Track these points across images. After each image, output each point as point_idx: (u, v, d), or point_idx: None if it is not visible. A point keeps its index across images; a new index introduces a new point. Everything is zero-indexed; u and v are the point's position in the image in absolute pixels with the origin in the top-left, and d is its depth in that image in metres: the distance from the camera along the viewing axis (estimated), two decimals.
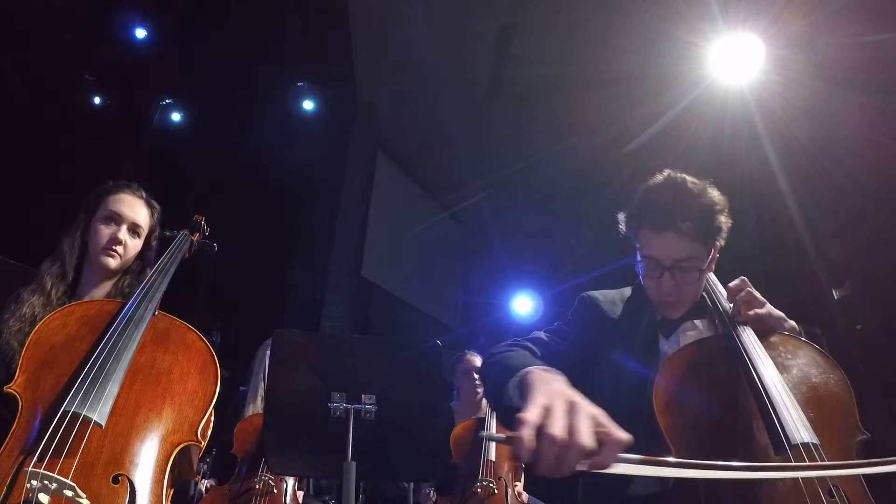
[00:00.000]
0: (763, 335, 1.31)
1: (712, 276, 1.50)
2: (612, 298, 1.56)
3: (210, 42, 5.20)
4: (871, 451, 1.16)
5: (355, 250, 5.78)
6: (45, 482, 0.96)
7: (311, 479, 2.76)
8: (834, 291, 4.08)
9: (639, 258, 1.42)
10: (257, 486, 2.39)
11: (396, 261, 6.39)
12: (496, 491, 2.63)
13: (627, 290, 1.59)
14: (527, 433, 0.85)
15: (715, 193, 1.38)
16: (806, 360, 1.27)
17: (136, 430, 1.15)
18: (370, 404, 1.48)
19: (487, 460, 2.74)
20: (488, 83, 5.38)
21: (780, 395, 1.12)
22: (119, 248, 1.63)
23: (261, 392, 2.78)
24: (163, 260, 1.59)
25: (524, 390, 1.00)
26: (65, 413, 1.08)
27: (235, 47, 5.22)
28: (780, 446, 1.05)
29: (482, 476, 2.67)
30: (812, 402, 1.18)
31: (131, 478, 1.09)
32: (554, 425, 0.85)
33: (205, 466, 2.74)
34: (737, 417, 1.15)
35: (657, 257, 1.37)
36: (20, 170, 4.73)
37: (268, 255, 5.59)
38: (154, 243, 1.76)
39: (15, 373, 1.19)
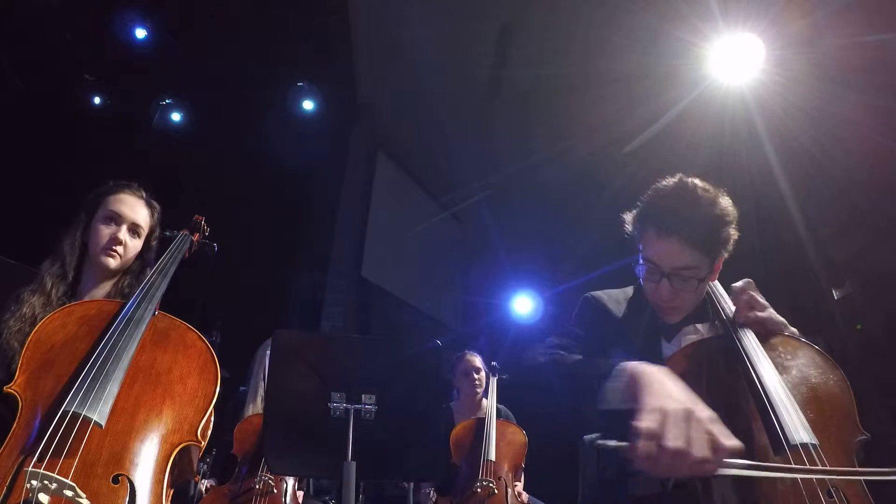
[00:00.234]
0: (763, 337, 1.31)
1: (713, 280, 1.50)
2: (616, 297, 1.56)
3: (210, 42, 5.20)
4: (870, 452, 1.16)
5: (355, 250, 5.78)
6: (45, 482, 0.96)
7: (311, 479, 2.76)
8: (834, 291, 4.08)
9: (640, 260, 1.42)
10: (257, 486, 2.39)
11: (396, 261, 6.39)
12: (496, 491, 2.63)
13: (630, 290, 1.58)
14: (645, 445, 0.85)
15: (726, 203, 1.36)
16: (805, 361, 1.27)
17: (136, 430, 1.15)
18: (370, 404, 1.48)
19: (487, 460, 2.74)
20: (488, 83, 5.38)
21: (779, 395, 1.12)
22: (119, 248, 1.63)
23: (261, 392, 2.78)
24: (163, 260, 1.59)
25: (633, 390, 0.97)
26: (65, 413, 1.08)
27: (235, 47, 5.22)
28: (779, 447, 1.05)
29: (482, 476, 2.67)
30: (811, 402, 1.18)
31: (131, 478, 1.09)
32: (671, 437, 0.85)
33: (205, 466, 2.74)
34: (736, 418, 1.15)
35: (658, 263, 1.36)
36: (20, 170, 4.73)
37: (268, 255, 5.59)
38: (154, 243, 1.76)
39: (15, 373, 1.19)
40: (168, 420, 1.20)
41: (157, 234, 1.76)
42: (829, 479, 1.03)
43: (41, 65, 5.10)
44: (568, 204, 5.90)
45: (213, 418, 1.29)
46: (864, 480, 1.06)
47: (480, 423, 2.95)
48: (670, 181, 1.41)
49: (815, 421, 1.11)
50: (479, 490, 2.62)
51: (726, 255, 1.40)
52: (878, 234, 3.73)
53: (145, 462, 1.13)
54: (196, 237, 1.81)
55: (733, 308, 1.37)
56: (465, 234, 7.55)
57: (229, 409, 2.85)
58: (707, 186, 1.38)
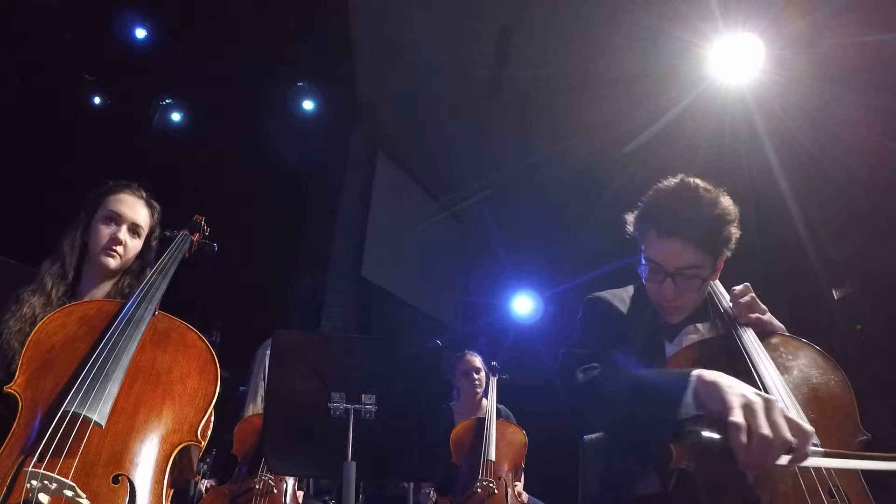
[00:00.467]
0: (764, 337, 1.31)
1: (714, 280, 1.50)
2: (620, 296, 1.56)
3: (210, 42, 5.20)
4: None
5: (355, 250, 5.77)
6: (45, 482, 0.96)
7: (311, 479, 2.76)
8: (834, 291, 4.08)
9: (642, 260, 1.42)
10: (257, 486, 2.39)
11: (396, 261, 6.39)
12: (496, 491, 2.63)
13: (630, 289, 1.58)
14: (743, 436, 0.93)
15: (727, 203, 1.36)
16: (807, 361, 1.27)
17: (136, 430, 1.15)
18: (370, 404, 1.48)
19: (487, 460, 2.74)
20: (488, 83, 5.38)
21: (780, 395, 1.12)
22: (119, 248, 1.63)
23: (261, 392, 2.78)
24: (163, 260, 1.59)
25: (707, 394, 1.02)
26: (65, 413, 1.08)
27: (235, 47, 5.22)
28: None
29: (482, 476, 2.67)
30: (813, 402, 1.18)
31: (131, 478, 1.09)
32: (761, 424, 0.94)
33: (205, 466, 2.74)
34: None
35: (661, 263, 1.36)
36: (20, 170, 4.73)
37: (268, 255, 5.59)
38: (154, 243, 1.76)
39: (15, 373, 1.19)
40: (168, 420, 1.20)
41: (157, 234, 1.76)
42: (831, 478, 1.04)
43: (41, 65, 5.10)
44: (568, 204, 5.90)
45: (213, 418, 1.28)
46: (867, 479, 1.06)
47: (480, 423, 2.95)
48: (671, 181, 1.41)
49: (816, 421, 1.11)
50: (479, 490, 2.62)
51: (729, 253, 1.40)
52: (878, 234, 3.73)
53: (145, 462, 1.13)
54: (196, 237, 1.80)
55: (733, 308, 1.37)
56: (465, 234, 7.55)
57: (229, 409, 2.85)
58: (708, 186, 1.38)
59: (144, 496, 1.08)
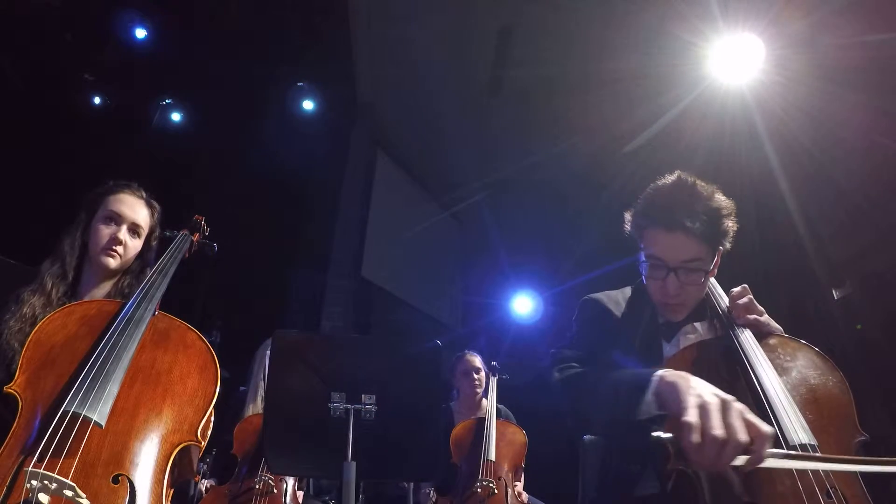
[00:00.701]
0: (762, 338, 1.31)
1: (711, 278, 1.50)
2: (616, 298, 1.56)
3: (210, 42, 5.20)
4: (870, 453, 1.16)
5: (355, 250, 5.77)
6: (45, 482, 0.96)
7: (311, 479, 2.76)
8: (834, 291, 4.08)
9: (643, 259, 1.42)
10: (257, 486, 2.39)
11: (396, 261, 6.39)
12: (496, 491, 2.63)
13: (628, 290, 1.59)
14: (695, 436, 0.93)
15: (722, 198, 1.39)
16: (805, 362, 1.27)
17: (136, 430, 1.15)
18: (370, 404, 1.48)
19: (487, 460, 2.74)
20: (488, 83, 5.38)
21: (778, 396, 1.12)
22: (119, 248, 1.63)
23: (261, 392, 2.78)
24: (163, 260, 1.59)
25: (667, 395, 1.03)
26: (65, 413, 1.08)
27: (235, 47, 5.22)
28: (777, 448, 1.05)
29: (482, 476, 2.67)
30: (811, 403, 1.19)
31: (131, 478, 1.09)
32: (714, 425, 0.93)
33: (205, 466, 2.74)
34: None
35: (664, 258, 1.37)
36: (20, 169, 4.73)
37: (268, 255, 5.59)
38: (154, 243, 1.76)
39: (15, 373, 1.19)
40: (168, 420, 1.20)
41: (157, 234, 1.76)
42: (829, 479, 1.04)
43: (41, 65, 5.10)
44: (568, 204, 5.91)
45: (213, 418, 1.29)
46: (865, 480, 1.06)
47: (480, 423, 2.95)
48: (669, 179, 1.44)
49: (814, 422, 1.12)
50: (479, 490, 2.62)
51: (728, 245, 1.41)
52: (878, 234, 3.73)
53: (145, 462, 1.13)
54: (196, 237, 1.80)
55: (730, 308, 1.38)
56: (464, 234, 7.55)
57: (229, 409, 2.85)
58: (703, 182, 1.41)
59: (144, 496, 1.08)
